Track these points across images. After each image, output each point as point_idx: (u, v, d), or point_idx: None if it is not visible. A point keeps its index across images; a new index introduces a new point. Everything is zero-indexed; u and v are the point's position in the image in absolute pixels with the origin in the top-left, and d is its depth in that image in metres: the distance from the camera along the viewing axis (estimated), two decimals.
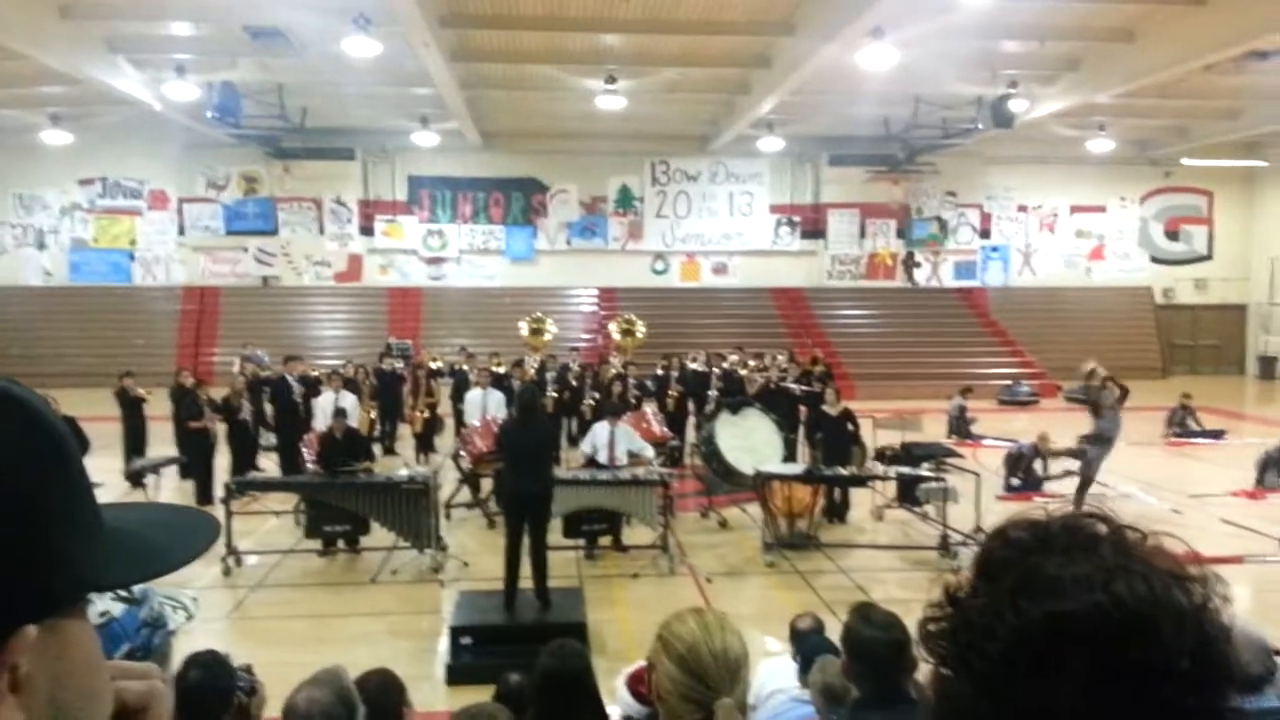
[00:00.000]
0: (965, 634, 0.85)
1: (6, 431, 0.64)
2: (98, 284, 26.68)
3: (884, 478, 10.90)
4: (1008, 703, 0.81)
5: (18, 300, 26.03)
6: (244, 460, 12.86)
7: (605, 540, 10.12)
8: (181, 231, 27.10)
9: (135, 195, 26.97)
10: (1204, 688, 0.78)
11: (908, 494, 11.14)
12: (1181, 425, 17.53)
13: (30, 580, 0.63)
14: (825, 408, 11.55)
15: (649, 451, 10.79)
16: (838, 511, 11.40)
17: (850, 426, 11.38)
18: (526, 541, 7.94)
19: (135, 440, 13.58)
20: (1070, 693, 0.78)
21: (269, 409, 13.97)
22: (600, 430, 10.73)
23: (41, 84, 19.21)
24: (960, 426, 17.06)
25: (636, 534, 10.15)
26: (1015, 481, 12.91)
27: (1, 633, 0.61)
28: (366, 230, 27.52)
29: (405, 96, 21.38)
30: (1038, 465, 13.12)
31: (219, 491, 10.62)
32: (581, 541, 9.96)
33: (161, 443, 13.64)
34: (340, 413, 10.83)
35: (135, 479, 11.67)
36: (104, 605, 3.68)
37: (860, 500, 11.69)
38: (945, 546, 9.82)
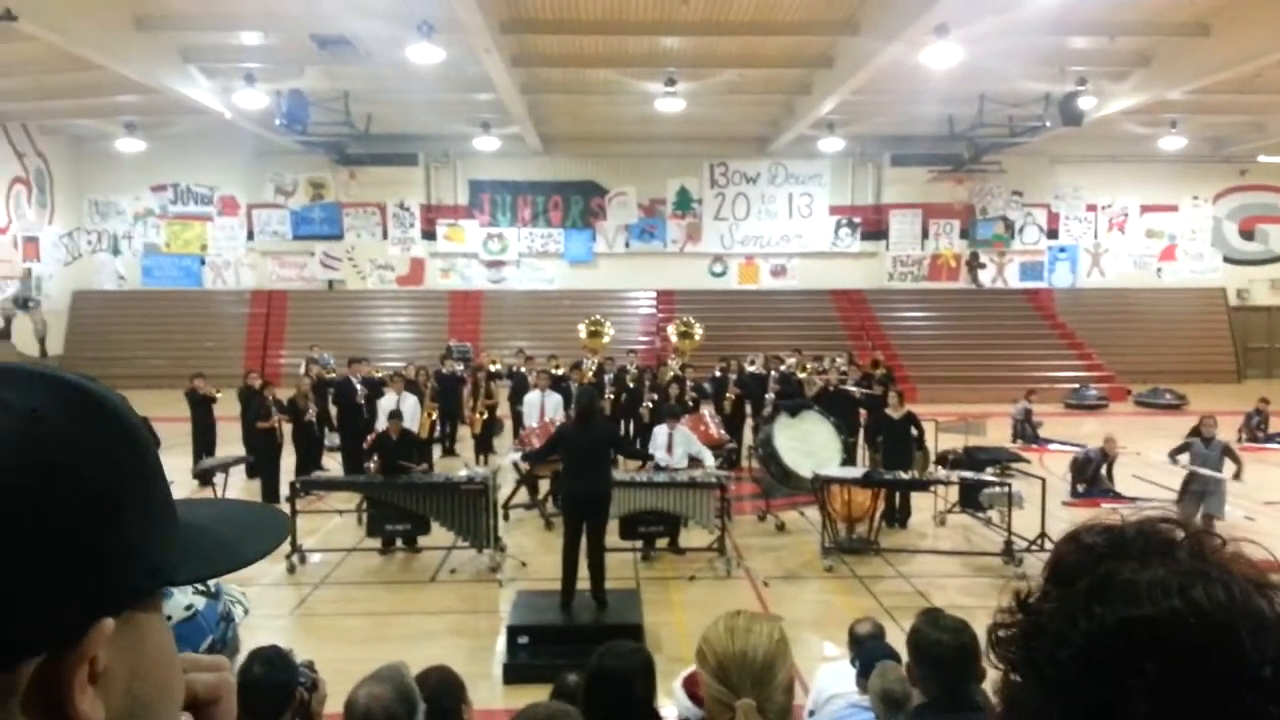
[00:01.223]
0: (1036, 638, 0.83)
1: (88, 427, 0.65)
2: (169, 288, 27.40)
3: (946, 482, 10.75)
4: (1079, 709, 0.79)
5: (93, 304, 26.84)
6: (309, 460, 13.11)
7: (662, 542, 10.11)
8: (250, 236, 27.73)
9: (206, 201, 27.66)
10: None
11: (970, 499, 10.95)
12: (1260, 430, 16.98)
13: (109, 573, 0.64)
14: (888, 410, 11.42)
15: (708, 456, 10.77)
16: (898, 516, 11.24)
17: (915, 431, 11.22)
18: (584, 543, 7.98)
19: (204, 440, 13.92)
20: (1145, 701, 0.75)
21: (333, 410, 14.23)
22: (659, 433, 10.77)
23: (117, 94, 19.79)
24: (1025, 430, 16.73)
25: (693, 536, 10.12)
26: (1080, 488, 12.63)
27: (81, 625, 0.63)
28: (428, 234, 27.88)
29: (467, 102, 21.63)
30: (1104, 471, 12.79)
31: (284, 490, 10.84)
32: (638, 543, 9.98)
33: (230, 443, 13.96)
34: (395, 414, 10.97)
35: (204, 478, 11.95)
36: (188, 599, 3.84)
37: (922, 505, 11.51)
38: (1009, 553, 9.64)
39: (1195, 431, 10.85)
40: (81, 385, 0.68)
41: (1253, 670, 0.75)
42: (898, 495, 11.11)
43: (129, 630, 0.66)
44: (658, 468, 10.38)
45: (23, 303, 23.91)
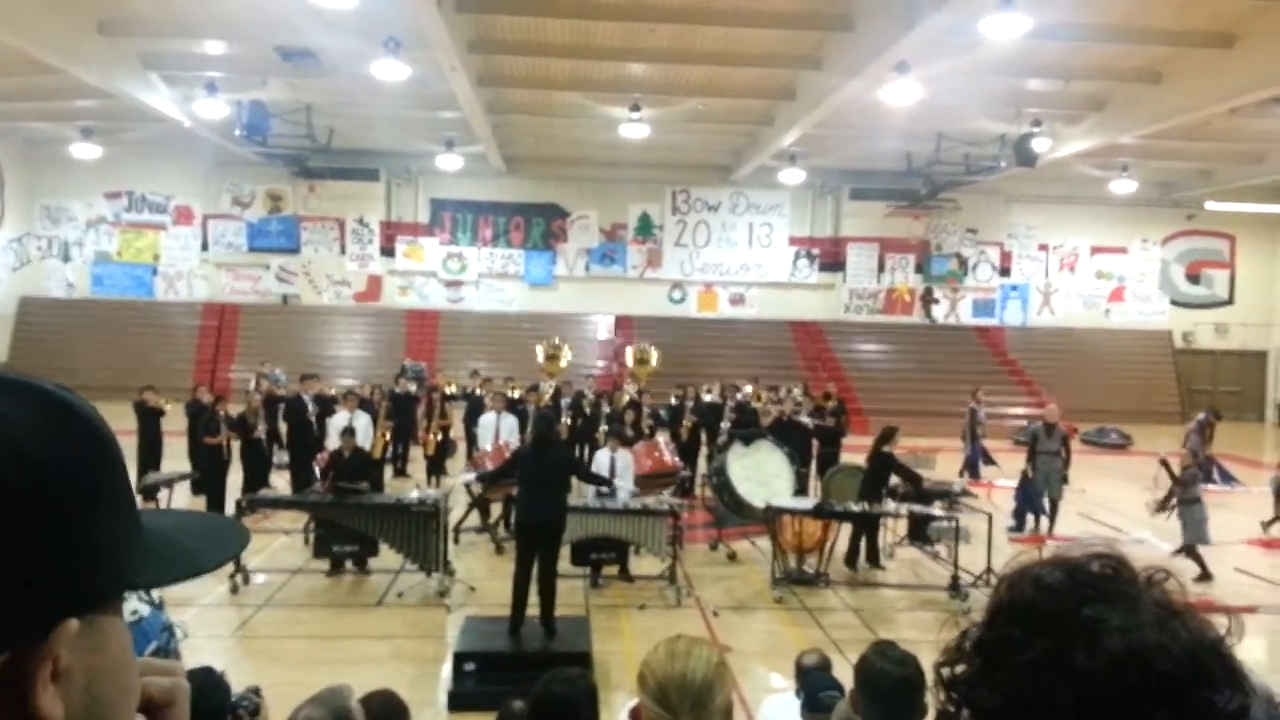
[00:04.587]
0: (1026, 685, 0.85)
1: (60, 433, 0.68)
2: (120, 297, 26.93)
3: (896, 515, 10.80)
4: None
5: (40, 311, 26.30)
6: (257, 477, 12.91)
7: (611, 569, 10.06)
8: (205, 247, 27.35)
9: (160, 210, 27.26)
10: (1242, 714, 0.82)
11: (919, 532, 11.04)
12: (1200, 435, 17.29)
13: (75, 575, 0.66)
14: (886, 449, 11.18)
15: (624, 482, 10.50)
16: (863, 554, 10.92)
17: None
18: (535, 568, 7.92)
19: (150, 453, 13.65)
20: None
21: (283, 427, 14.04)
22: (600, 457, 10.68)
23: (75, 98, 19.51)
24: (974, 427, 16.96)
25: (644, 564, 10.10)
26: (1028, 470, 12.79)
27: (46, 624, 0.65)
28: (387, 251, 27.70)
29: (431, 120, 21.59)
30: (1051, 444, 12.90)
31: (230, 508, 10.65)
32: (588, 569, 9.92)
33: (176, 457, 13.70)
34: (349, 431, 10.85)
35: (148, 493, 11.70)
36: (134, 605, 3.91)
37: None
38: (955, 587, 9.72)
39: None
40: (54, 392, 0.70)
41: (1222, 697, 0.81)
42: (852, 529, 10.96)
43: (91, 632, 0.68)
44: (601, 494, 10.28)
45: None
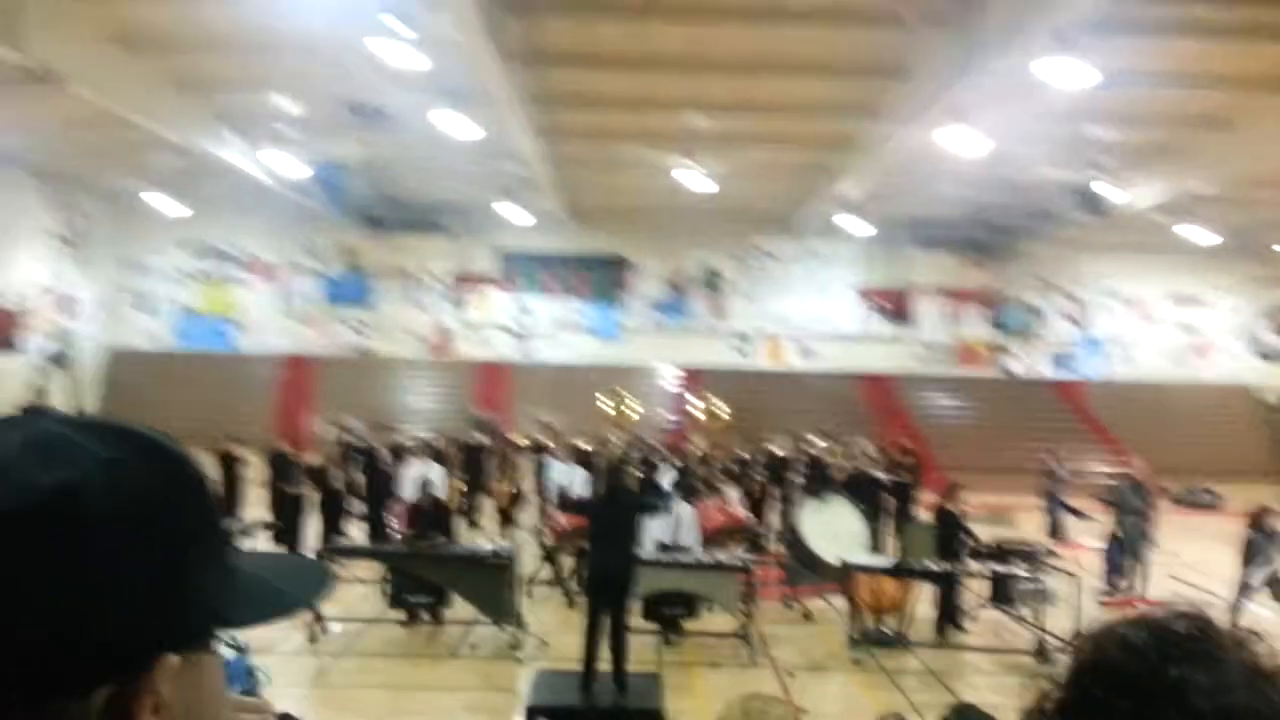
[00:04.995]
0: None
1: (163, 478, 0.73)
2: (202, 350, 27.70)
3: (977, 575, 10.49)
4: None
5: (126, 363, 27.10)
6: (333, 527, 13.06)
7: (685, 624, 9.91)
8: (283, 301, 28.10)
9: (240, 264, 28.12)
10: None
11: (1001, 593, 10.69)
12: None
13: (175, 613, 0.70)
14: (949, 507, 11.02)
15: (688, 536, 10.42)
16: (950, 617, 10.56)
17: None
18: (606, 622, 7.85)
19: (230, 503, 13.91)
20: None
21: (359, 478, 14.22)
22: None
23: (157, 155, 20.24)
24: (1054, 493, 16.56)
25: (717, 621, 9.94)
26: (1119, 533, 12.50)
27: (149, 659, 0.68)
28: (458, 304, 28.15)
29: (497, 173, 21.93)
30: (1137, 502, 12.52)
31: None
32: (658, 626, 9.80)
33: (255, 507, 13.94)
34: (427, 484, 10.95)
35: None
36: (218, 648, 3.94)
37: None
38: (1042, 652, 9.38)
39: (1255, 523, 10.68)
40: (158, 440, 0.76)
41: None
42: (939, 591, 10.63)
43: (189, 668, 0.71)
44: (664, 547, 10.17)
45: (61, 361, 24.21)
